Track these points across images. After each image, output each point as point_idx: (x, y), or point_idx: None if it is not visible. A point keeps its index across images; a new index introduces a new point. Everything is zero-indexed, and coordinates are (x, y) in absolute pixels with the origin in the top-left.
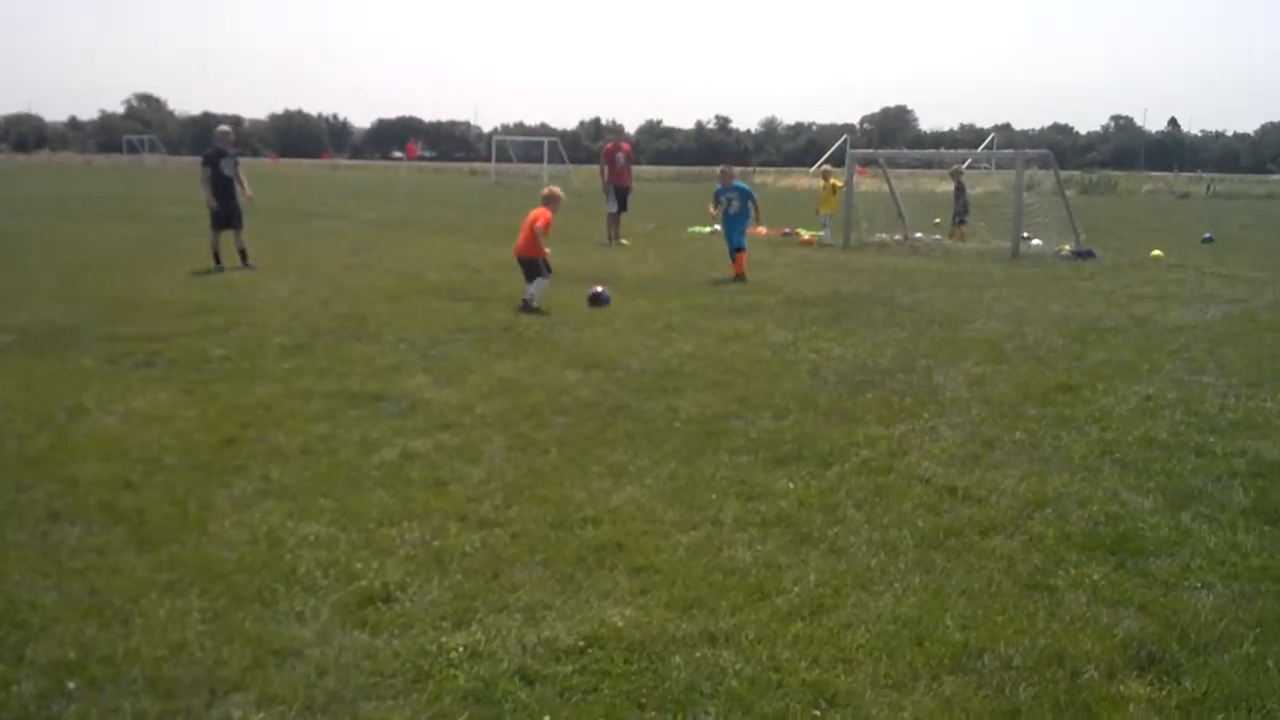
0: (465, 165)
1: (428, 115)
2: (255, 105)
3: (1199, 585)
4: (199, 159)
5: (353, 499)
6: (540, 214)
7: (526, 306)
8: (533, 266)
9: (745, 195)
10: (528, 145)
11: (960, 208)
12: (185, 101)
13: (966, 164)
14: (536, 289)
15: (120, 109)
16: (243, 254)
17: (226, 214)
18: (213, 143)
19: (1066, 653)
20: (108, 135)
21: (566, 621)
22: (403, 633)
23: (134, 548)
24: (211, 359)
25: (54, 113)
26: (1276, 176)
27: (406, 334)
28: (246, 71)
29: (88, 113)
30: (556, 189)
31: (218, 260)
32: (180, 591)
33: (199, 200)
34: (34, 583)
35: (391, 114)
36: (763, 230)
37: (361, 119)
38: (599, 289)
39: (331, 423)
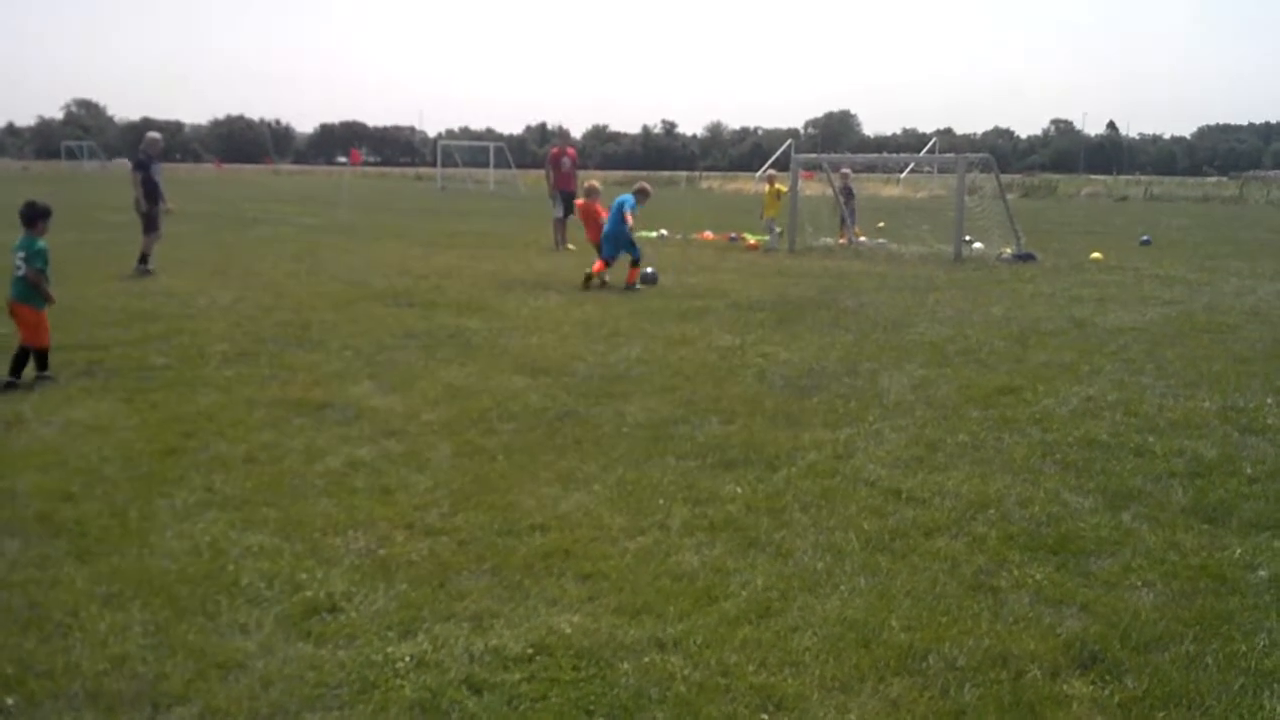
0: (410, 170)
1: (372, 120)
2: (196, 110)
3: (1140, 584)
4: (129, 162)
5: (297, 508)
6: (600, 208)
7: (589, 283)
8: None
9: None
10: (473, 150)
11: (848, 211)
12: (125, 107)
13: (908, 168)
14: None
15: (59, 115)
16: (145, 257)
17: (156, 218)
18: (143, 148)
19: (1010, 653)
20: (46, 141)
21: (514, 629)
22: (348, 643)
23: (74, 559)
24: (152, 367)
25: None
26: (1213, 179)
27: (351, 341)
28: (187, 77)
29: (25, 119)
30: (596, 184)
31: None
32: (121, 604)
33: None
34: None
35: (335, 119)
36: (709, 235)
37: (304, 124)
38: (649, 269)
39: (275, 431)
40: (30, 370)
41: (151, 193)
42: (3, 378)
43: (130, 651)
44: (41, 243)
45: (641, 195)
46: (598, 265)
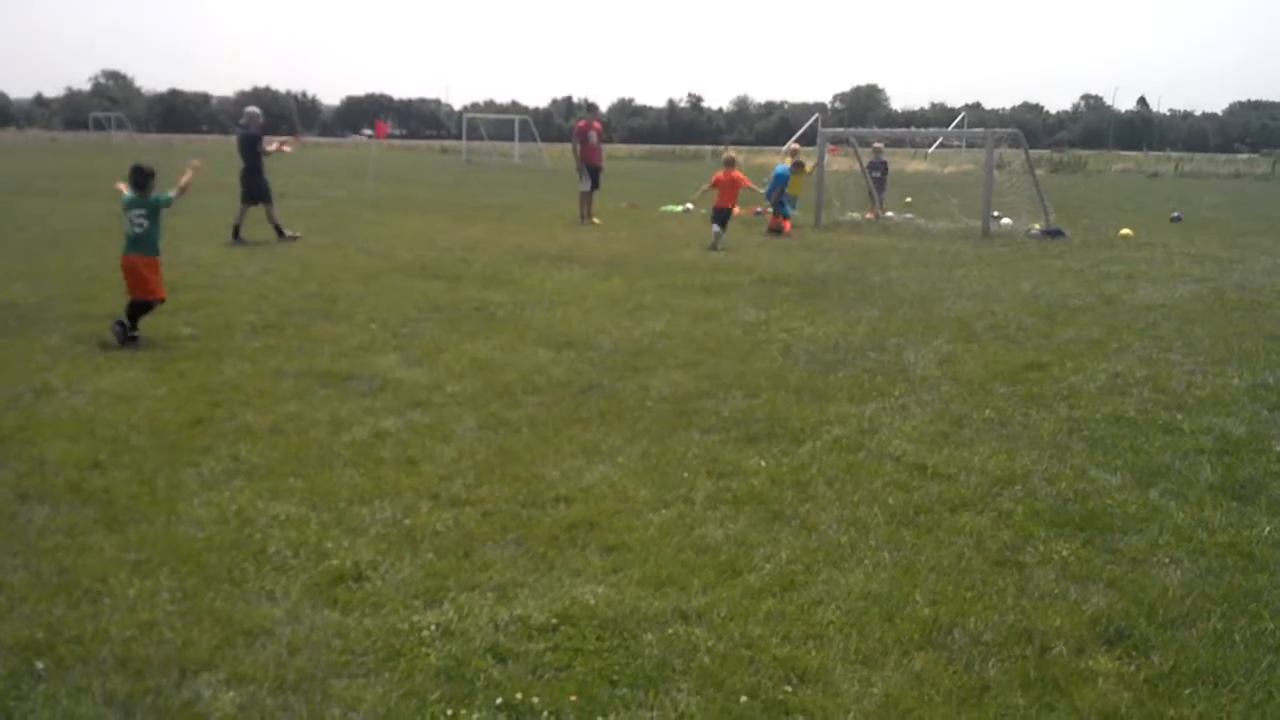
0: (436, 143)
1: (397, 93)
2: (223, 82)
3: (1167, 561)
4: (241, 140)
5: (323, 478)
6: (741, 176)
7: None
8: (727, 215)
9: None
10: (499, 123)
11: (879, 186)
12: (152, 79)
13: (936, 143)
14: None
15: (87, 86)
16: (279, 228)
17: (263, 189)
18: (245, 123)
19: (1035, 628)
20: (74, 112)
21: (539, 599)
22: (374, 611)
23: (103, 527)
24: (180, 338)
25: (19, 89)
26: (1244, 156)
27: (377, 313)
28: (214, 48)
29: (54, 89)
30: (733, 153)
31: (238, 235)
32: (149, 571)
33: (166, 178)
34: (2, 562)
35: (360, 91)
36: (736, 209)
37: (330, 96)
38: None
39: (301, 402)
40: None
41: (257, 165)
42: (129, 331)
43: (158, 618)
44: (155, 195)
45: (798, 167)
46: (787, 224)
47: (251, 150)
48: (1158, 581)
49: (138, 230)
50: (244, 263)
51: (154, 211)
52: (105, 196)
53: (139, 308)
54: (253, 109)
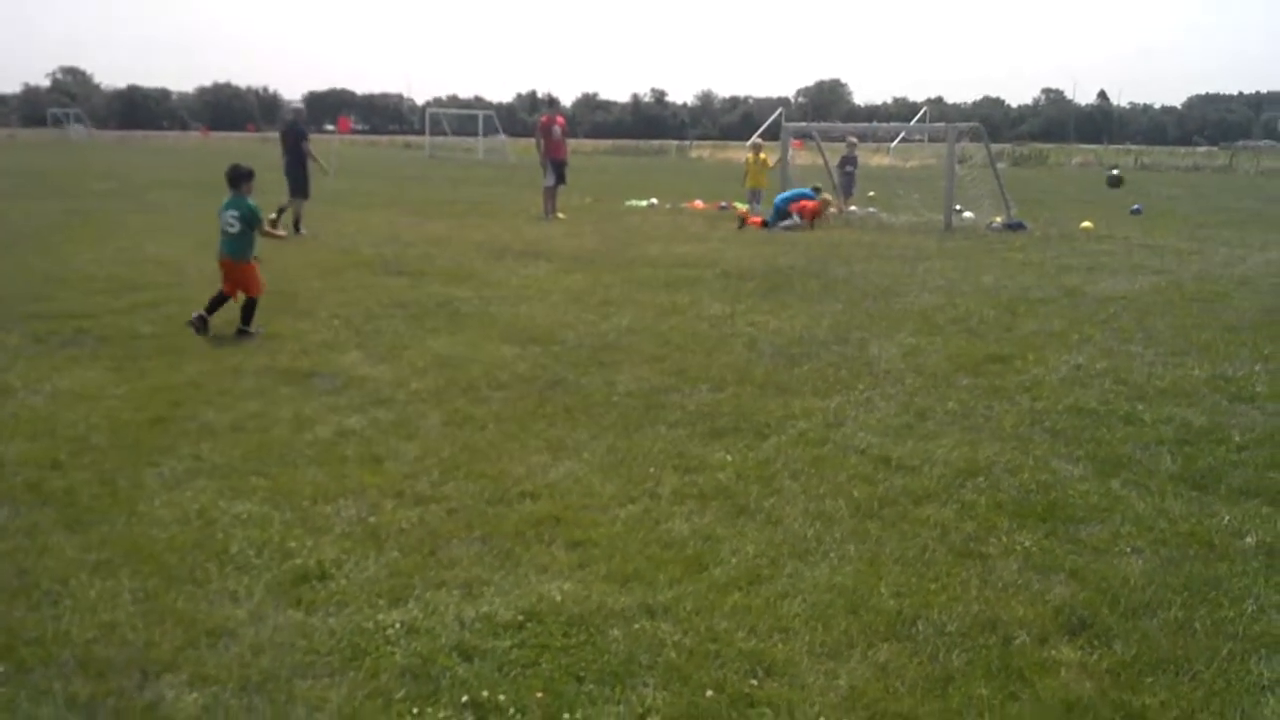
0: (399, 138)
1: (360, 88)
2: (183, 78)
3: (1128, 551)
4: (288, 132)
5: (286, 477)
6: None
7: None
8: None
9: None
10: (462, 118)
11: (847, 181)
12: (111, 75)
13: (899, 138)
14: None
15: (45, 82)
16: (296, 222)
17: (303, 184)
18: (293, 119)
19: (999, 619)
20: (32, 109)
21: (505, 596)
22: (338, 610)
23: (63, 528)
24: (140, 336)
25: None
26: (1203, 149)
27: (340, 310)
28: (174, 44)
29: (10, 86)
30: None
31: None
32: (110, 572)
33: (124, 175)
34: None
35: (323, 86)
36: (700, 204)
37: (292, 91)
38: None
39: (263, 400)
40: (212, 323)
41: (301, 158)
42: (198, 310)
43: (120, 619)
44: (252, 202)
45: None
46: (754, 220)
47: (298, 145)
48: (1119, 571)
49: (230, 231)
50: (205, 260)
51: (245, 218)
52: (64, 195)
53: (224, 300)
54: (298, 104)
